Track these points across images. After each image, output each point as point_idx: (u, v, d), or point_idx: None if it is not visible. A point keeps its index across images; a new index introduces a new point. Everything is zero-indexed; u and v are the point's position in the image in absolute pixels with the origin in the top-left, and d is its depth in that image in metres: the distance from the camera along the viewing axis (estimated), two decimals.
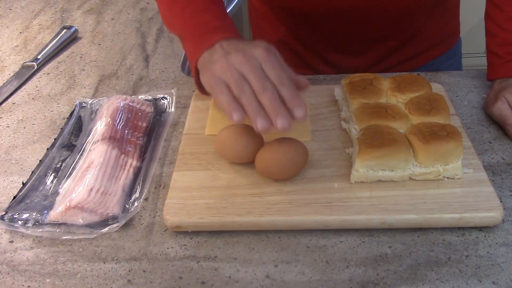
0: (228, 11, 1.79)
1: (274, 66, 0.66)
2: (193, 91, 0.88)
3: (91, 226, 0.65)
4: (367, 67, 1.01)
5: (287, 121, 0.62)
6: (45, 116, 0.87)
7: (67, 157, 0.76)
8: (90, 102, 0.86)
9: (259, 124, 0.63)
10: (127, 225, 0.66)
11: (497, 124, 0.79)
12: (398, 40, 0.99)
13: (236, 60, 0.66)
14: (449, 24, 1.04)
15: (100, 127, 0.77)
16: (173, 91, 0.88)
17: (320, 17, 0.94)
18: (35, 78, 0.97)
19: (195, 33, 0.75)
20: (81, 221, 0.65)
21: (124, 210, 0.67)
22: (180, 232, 0.65)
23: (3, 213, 0.67)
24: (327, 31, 0.97)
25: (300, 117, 0.63)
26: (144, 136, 0.79)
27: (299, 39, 1.02)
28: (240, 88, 0.64)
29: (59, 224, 0.66)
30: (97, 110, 0.84)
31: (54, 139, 0.80)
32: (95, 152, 0.72)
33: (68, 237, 0.65)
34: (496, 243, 0.62)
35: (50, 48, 1.04)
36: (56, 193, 0.69)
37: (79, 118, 0.84)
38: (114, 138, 0.74)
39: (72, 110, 0.86)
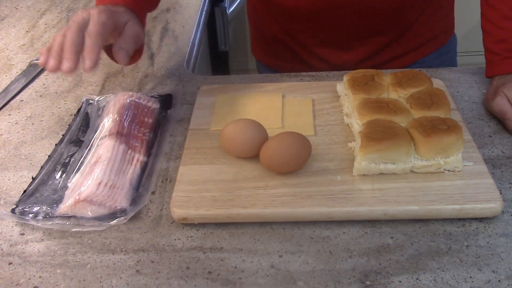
0: (231, 9, 1.80)
1: (95, 22, 0.70)
2: (198, 88, 0.89)
3: (99, 218, 0.67)
4: (358, 63, 1.01)
5: (70, 66, 0.67)
6: (53, 112, 0.88)
7: (75, 152, 0.77)
8: (97, 99, 0.88)
9: (49, 64, 0.68)
10: (135, 217, 0.68)
11: (497, 119, 0.80)
12: (389, 36, 0.99)
13: (74, 16, 0.72)
14: (443, 21, 1.05)
15: (107, 123, 0.79)
16: (178, 87, 0.90)
17: (310, 13, 0.96)
18: (42, 76, 0.98)
19: None
20: (90, 214, 0.67)
21: (132, 203, 0.69)
22: (187, 224, 0.66)
23: (14, 206, 0.69)
24: (317, 26, 0.98)
25: (87, 68, 0.67)
26: (151, 131, 0.81)
27: (291, 34, 1.04)
28: (63, 35, 0.70)
29: (69, 217, 0.67)
30: (104, 106, 0.85)
31: (62, 135, 0.81)
32: (103, 147, 0.74)
33: (78, 229, 0.66)
34: (496, 234, 0.63)
35: None
36: (65, 187, 0.71)
37: (86, 115, 0.85)
38: (121, 134, 0.76)
39: (79, 107, 0.87)
